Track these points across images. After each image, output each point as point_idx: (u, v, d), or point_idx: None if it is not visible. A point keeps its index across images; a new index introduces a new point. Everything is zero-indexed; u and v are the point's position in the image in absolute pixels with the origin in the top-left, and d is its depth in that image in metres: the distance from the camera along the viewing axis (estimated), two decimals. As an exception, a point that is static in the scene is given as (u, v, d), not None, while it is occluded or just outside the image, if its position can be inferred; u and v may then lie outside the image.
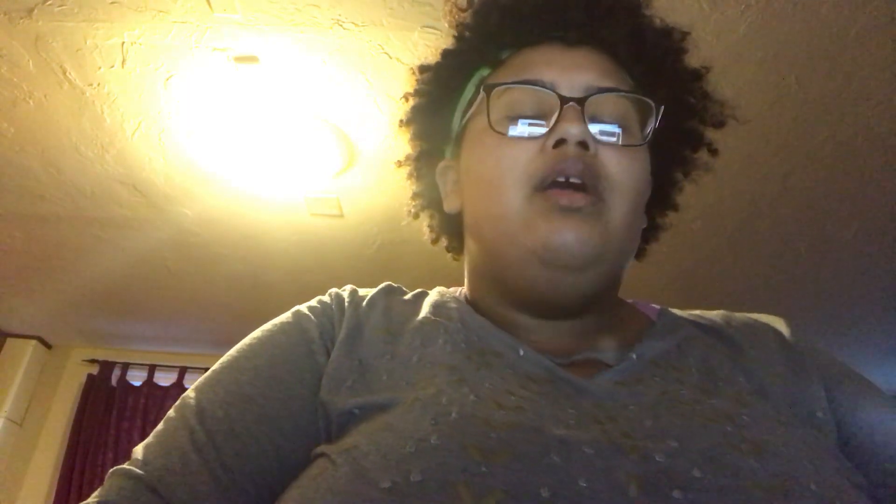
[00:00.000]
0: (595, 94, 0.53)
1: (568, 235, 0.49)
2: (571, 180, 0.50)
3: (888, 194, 2.20)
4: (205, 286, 2.98)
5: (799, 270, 2.65)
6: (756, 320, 0.59)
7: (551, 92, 0.53)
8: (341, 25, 1.69)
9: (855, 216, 2.31)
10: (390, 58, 1.78)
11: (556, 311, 0.54)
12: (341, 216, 2.46)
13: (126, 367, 3.58)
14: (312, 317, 0.55)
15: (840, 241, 2.45)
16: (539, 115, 0.54)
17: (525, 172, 0.52)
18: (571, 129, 0.51)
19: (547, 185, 0.51)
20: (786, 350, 0.55)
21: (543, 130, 0.53)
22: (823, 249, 2.51)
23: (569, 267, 0.50)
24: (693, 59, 0.62)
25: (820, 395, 0.50)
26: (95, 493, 0.44)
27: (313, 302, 0.58)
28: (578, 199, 0.50)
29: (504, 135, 0.54)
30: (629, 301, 0.62)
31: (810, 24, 1.62)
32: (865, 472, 0.45)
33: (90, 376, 3.53)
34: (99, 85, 1.90)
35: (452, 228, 0.68)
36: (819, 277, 2.68)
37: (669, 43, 0.61)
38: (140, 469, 0.44)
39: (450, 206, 0.63)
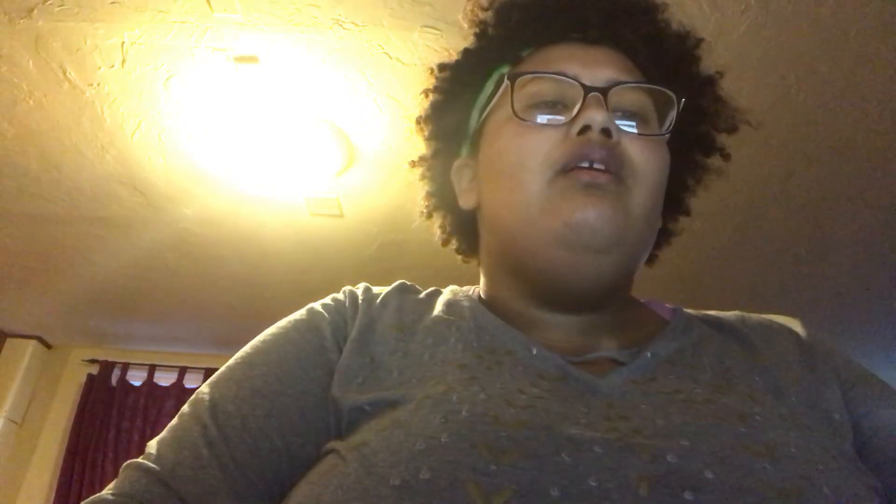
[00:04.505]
0: (616, 85, 0.54)
1: (590, 213, 0.49)
2: (595, 166, 0.51)
3: (888, 195, 2.20)
4: (205, 286, 2.98)
5: (799, 271, 2.65)
6: (772, 321, 0.59)
7: (575, 82, 0.53)
8: (341, 25, 1.69)
9: (855, 217, 2.31)
10: (390, 58, 1.78)
11: (575, 299, 0.54)
12: (341, 216, 2.46)
13: (126, 367, 3.58)
14: (326, 314, 0.55)
15: (840, 242, 2.45)
16: (561, 106, 0.55)
17: (548, 158, 0.52)
18: (596, 117, 0.51)
19: (570, 169, 0.51)
20: (802, 351, 0.54)
21: (565, 121, 0.53)
22: (824, 250, 2.51)
23: (591, 247, 0.49)
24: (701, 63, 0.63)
25: (836, 396, 0.50)
26: (110, 486, 0.45)
27: (327, 299, 0.58)
28: (601, 177, 0.50)
29: (527, 122, 0.54)
30: (642, 300, 0.62)
31: (810, 25, 1.62)
32: (882, 474, 0.45)
33: (90, 376, 3.53)
34: (99, 85, 1.90)
35: (466, 227, 0.68)
36: (819, 278, 2.68)
37: (686, 47, 0.62)
38: (153, 463, 0.45)
39: (466, 202, 0.63)
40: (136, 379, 3.58)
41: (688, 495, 0.34)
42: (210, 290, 3.01)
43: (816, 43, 1.67)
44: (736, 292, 2.81)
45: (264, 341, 0.53)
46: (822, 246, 2.49)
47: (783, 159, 2.07)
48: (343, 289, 0.60)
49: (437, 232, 0.71)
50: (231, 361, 0.52)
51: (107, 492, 0.44)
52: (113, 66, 1.83)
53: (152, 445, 0.47)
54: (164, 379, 3.56)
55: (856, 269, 2.60)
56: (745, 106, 0.63)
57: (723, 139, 0.65)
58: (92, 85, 1.90)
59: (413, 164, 0.70)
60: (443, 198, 0.69)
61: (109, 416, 3.40)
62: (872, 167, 2.08)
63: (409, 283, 0.63)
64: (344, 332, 0.54)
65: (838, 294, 2.79)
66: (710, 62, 0.63)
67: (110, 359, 3.59)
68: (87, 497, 0.44)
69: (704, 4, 1.58)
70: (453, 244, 0.71)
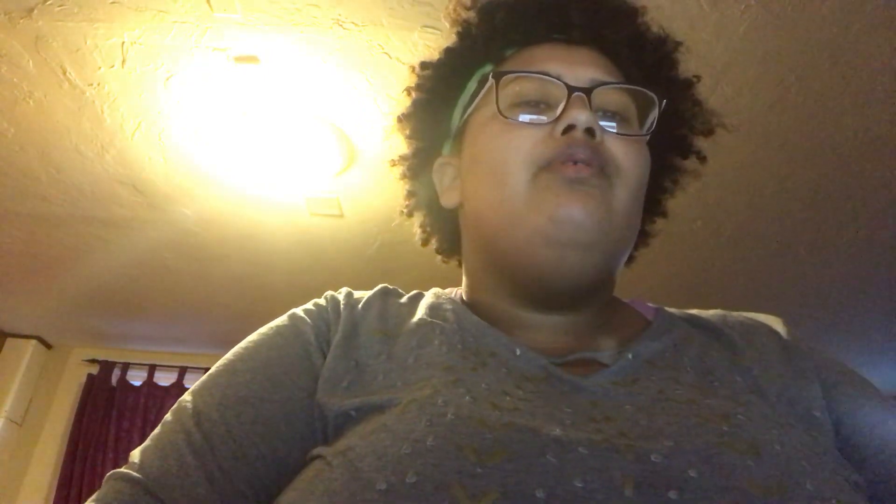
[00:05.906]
0: (600, 86, 0.54)
1: (574, 208, 0.49)
2: (578, 164, 0.51)
3: (888, 195, 2.20)
4: (205, 286, 2.98)
5: (798, 271, 2.65)
6: (753, 319, 0.60)
7: (559, 82, 0.54)
8: (341, 25, 1.69)
9: (855, 217, 2.31)
10: (390, 58, 1.78)
11: (558, 298, 0.54)
12: (341, 216, 2.46)
13: (126, 367, 3.58)
14: (308, 319, 0.55)
15: (840, 243, 2.45)
16: (544, 106, 0.55)
17: (531, 155, 0.52)
18: (580, 117, 0.51)
19: (554, 166, 0.51)
20: (783, 349, 0.55)
21: (548, 120, 0.54)
22: (823, 251, 2.51)
23: (574, 243, 0.50)
24: (693, 61, 0.63)
25: (817, 394, 0.50)
26: (93, 497, 0.44)
27: (309, 305, 0.58)
28: (584, 170, 0.51)
29: (512, 120, 0.54)
30: (626, 300, 0.63)
31: (810, 24, 1.62)
32: (864, 471, 0.45)
33: (90, 376, 3.53)
34: (99, 85, 1.90)
35: (447, 226, 0.68)
36: (818, 279, 2.68)
37: (665, 50, 0.63)
38: (137, 472, 0.44)
39: (448, 201, 0.63)
40: (136, 379, 3.58)
41: (672, 495, 0.35)
42: (210, 290, 3.01)
43: (816, 43, 1.67)
44: (734, 293, 2.81)
45: (247, 348, 0.53)
46: (821, 247, 2.49)
47: (783, 159, 2.07)
48: (325, 294, 0.60)
49: (418, 231, 0.71)
50: (213, 369, 0.52)
51: (90, 503, 0.44)
52: (113, 66, 1.83)
53: (135, 454, 0.47)
54: (164, 379, 3.56)
55: (855, 269, 2.60)
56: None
57: (699, 142, 0.66)
58: (92, 85, 1.90)
59: (393, 162, 0.70)
60: (424, 196, 0.69)
61: (109, 416, 3.40)
62: (872, 167, 2.08)
63: (391, 286, 0.63)
64: (327, 337, 0.54)
65: (837, 296, 2.79)
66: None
67: (110, 359, 3.59)
68: (87, 498, 0.44)
69: (704, 4, 1.58)
70: (433, 244, 0.71)
